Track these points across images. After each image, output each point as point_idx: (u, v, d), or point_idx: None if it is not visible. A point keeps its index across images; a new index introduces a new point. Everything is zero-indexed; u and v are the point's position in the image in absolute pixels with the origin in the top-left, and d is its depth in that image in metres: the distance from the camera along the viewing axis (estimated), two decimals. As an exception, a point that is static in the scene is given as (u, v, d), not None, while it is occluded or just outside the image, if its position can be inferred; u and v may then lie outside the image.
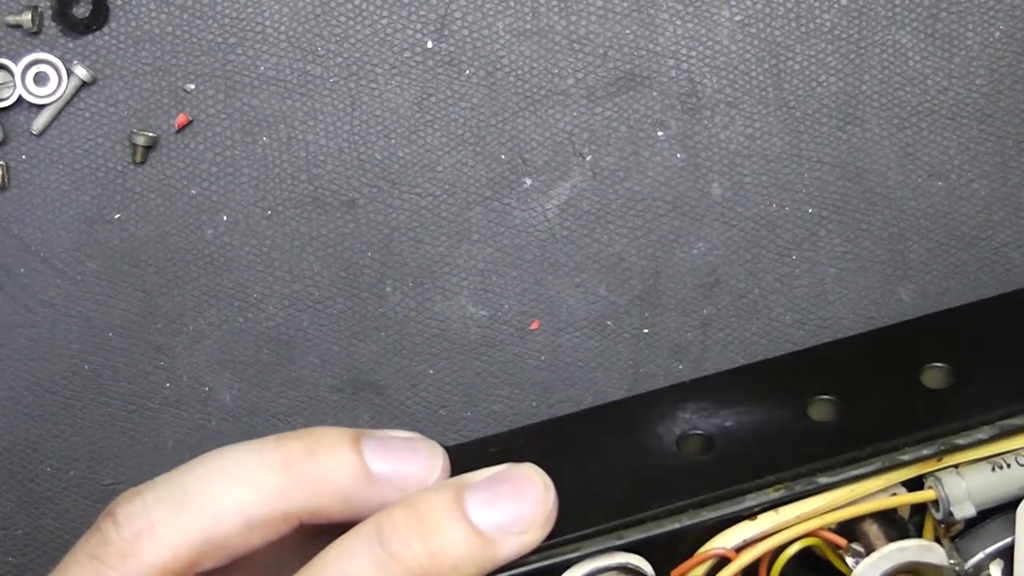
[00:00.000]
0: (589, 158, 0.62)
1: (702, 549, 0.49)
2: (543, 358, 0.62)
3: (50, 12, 0.60)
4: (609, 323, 0.62)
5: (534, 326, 0.62)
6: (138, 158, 0.61)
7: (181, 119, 0.61)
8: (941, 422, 0.50)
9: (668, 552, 0.49)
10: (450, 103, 0.62)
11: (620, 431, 0.53)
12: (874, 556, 0.49)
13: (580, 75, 0.62)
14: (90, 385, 0.62)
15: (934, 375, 0.52)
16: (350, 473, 0.47)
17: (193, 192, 0.62)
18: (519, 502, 0.46)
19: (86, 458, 0.62)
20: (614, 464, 0.51)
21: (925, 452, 0.49)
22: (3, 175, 0.61)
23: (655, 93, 0.62)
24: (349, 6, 0.61)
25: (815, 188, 0.63)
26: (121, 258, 0.62)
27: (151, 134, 0.61)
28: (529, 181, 0.62)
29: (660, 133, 0.62)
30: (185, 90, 0.61)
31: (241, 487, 0.47)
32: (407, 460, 0.48)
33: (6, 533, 0.62)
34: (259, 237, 0.62)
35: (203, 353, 0.62)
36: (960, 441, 0.50)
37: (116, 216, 0.62)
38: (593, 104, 0.62)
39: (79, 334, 0.61)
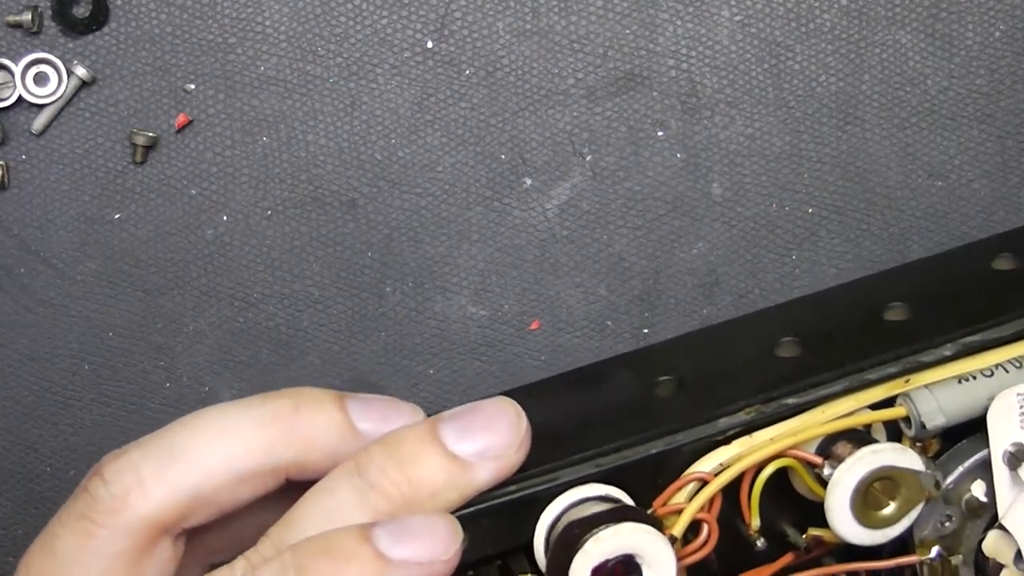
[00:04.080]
0: (589, 158, 0.62)
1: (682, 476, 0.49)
2: (543, 358, 0.62)
3: (50, 12, 0.60)
4: (609, 323, 0.62)
5: (534, 326, 0.62)
6: (138, 158, 0.61)
7: (181, 119, 0.61)
8: (905, 345, 0.51)
9: (649, 485, 0.49)
10: (450, 103, 0.62)
11: (595, 383, 0.54)
12: (849, 460, 0.49)
13: (580, 75, 0.62)
14: (90, 385, 0.62)
15: (895, 312, 0.53)
16: (336, 429, 0.48)
17: (193, 192, 0.62)
18: (492, 429, 0.47)
19: (86, 458, 0.62)
20: (589, 408, 0.53)
21: (891, 370, 0.50)
22: (3, 175, 0.61)
23: (655, 93, 0.62)
24: (349, 6, 0.61)
25: (815, 188, 0.63)
26: (121, 258, 0.62)
27: (151, 134, 0.61)
28: (529, 181, 0.62)
29: (660, 133, 0.62)
30: (185, 90, 0.61)
31: (230, 441, 0.47)
32: (390, 418, 0.49)
33: (6, 533, 0.62)
34: (259, 237, 0.62)
35: (203, 353, 0.62)
36: (925, 358, 0.50)
37: (116, 216, 0.62)
38: (593, 104, 0.62)
39: (79, 334, 0.62)
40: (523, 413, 0.48)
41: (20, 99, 0.61)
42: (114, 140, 0.61)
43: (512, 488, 0.48)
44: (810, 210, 0.63)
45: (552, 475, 0.48)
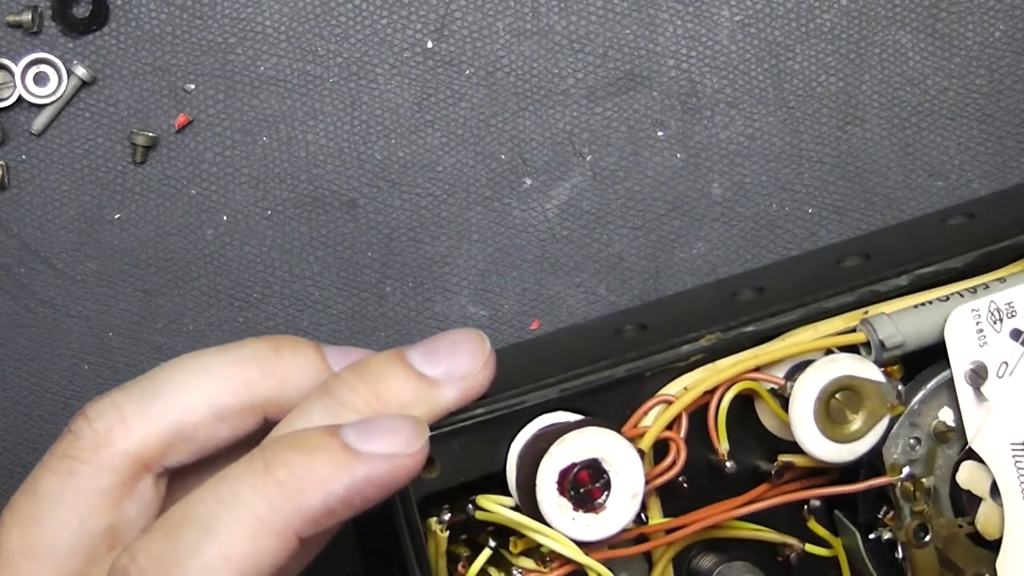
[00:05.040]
0: (589, 158, 0.62)
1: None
2: (543, 358, 0.62)
3: (50, 12, 0.60)
4: (609, 323, 0.62)
5: (534, 326, 0.62)
6: (138, 158, 0.61)
7: (181, 119, 0.61)
8: (862, 277, 0.52)
9: (619, 417, 0.50)
10: (450, 103, 0.62)
11: (565, 338, 0.57)
12: (808, 371, 0.49)
13: (580, 75, 0.62)
14: (90, 385, 0.62)
15: (853, 260, 0.54)
16: (313, 368, 0.49)
17: (193, 192, 0.62)
18: (456, 351, 0.48)
19: (86, 458, 0.62)
20: (558, 349, 0.55)
21: (848, 299, 0.51)
22: (3, 175, 0.61)
23: (655, 93, 0.62)
24: (349, 6, 0.62)
25: (815, 188, 0.63)
26: (121, 258, 0.62)
27: (151, 134, 0.61)
28: (529, 181, 0.62)
29: (660, 133, 0.62)
30: (185, 90, 0.61)
31: (209, 379, 0.48)
32: None
33: (6, 533, 0.62)
34: (259, 237, 0.62)
35: (203, 353, 0.62)
36: (881, 288, 0.51)
37: (116, 216, 0.62)
38: (593, 104, 0.62)
39: (79, 334, 0.62)
40: (487, 338, 0.49)
41: (20, 99, 0.61)
42: (114, 140, 0.61)
43: (480, 411, 0.48)
44: (810, 210, 0.63)
45: (519, 399, 0.49)
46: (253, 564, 0.43)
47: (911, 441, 0.51)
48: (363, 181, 0.62)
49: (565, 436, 0.47)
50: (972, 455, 0.51)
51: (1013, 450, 0.51)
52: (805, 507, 0.51)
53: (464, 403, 0.48)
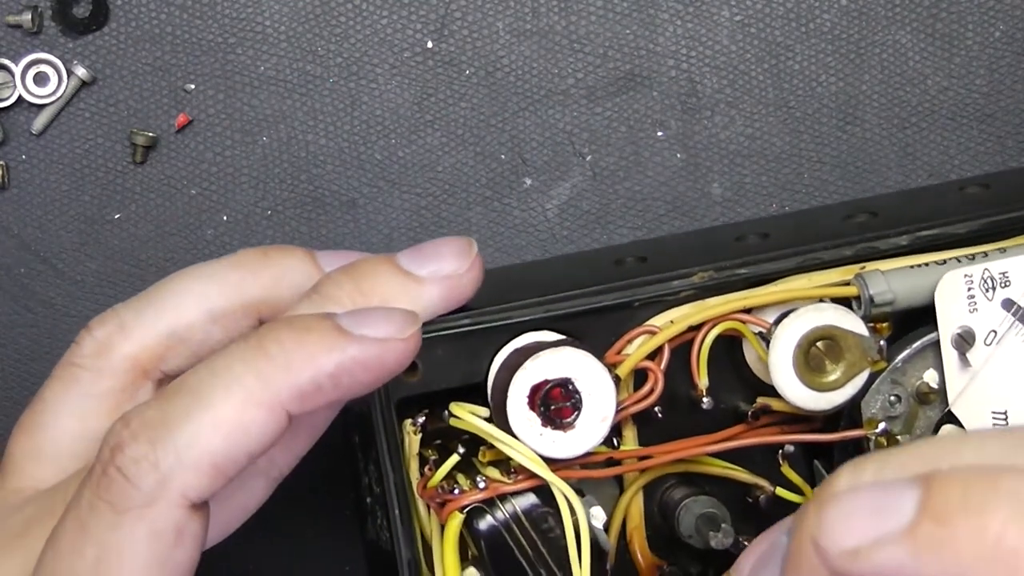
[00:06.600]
0: (589, 158, 0.62)
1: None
2: (543, 358, 0.62)
3: (50, 12, 0.60)
4: (609, 323, 0.62)
5: (534, 326, 0.62)
6: (138, 158, 0.61)
7: (181, 119, 0.61)
8: (864, 233, 0.52)
9: (604, 345, 0.50)
10: (450, 103, 0.62)
11: (565, 263, 0.58)
12: (791, 317, 0.50)
13: (580, 75, 0.62)
14: (90, 385, 0.62)
15: (860, 217, 0.55)
16: (304, 269, 0.51)
17: (193, 192, 0.62)
18: (442, 254, 0.49)
19: (86, 458, 0.62)
20: (555, 272, 0.55)
21: (846, 252, 0.51)
22: (3, 175, 0.61)
23: (655, 93, 0.62)
24: (349, 6, 0.62)
25: (815, 188, 0.63)
26: (121, 258, 0.62)
27: (151, 134, 0.61)
28: (529, 181, 0.62)
29: (660, 133, 0.62)
30: (185, 90, 0.61)
31: (201, 283, 0.51)
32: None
33: (6, 533, 0.62)
34: (259, 237, 0.62)
35: (203, 353, 0.62)
36: (880, 245, 0.51)
37: (116, 216, 0.62)
38: (593, 104, 0.62)
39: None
40: (475, 243, 0.50)
41: (20, 99, 0.61)
42: (114, 140, 0.61)
43: (466, 321, 0.49)
44: (810, 210, 0.63)
45: (506, 314, 0.50)
46: (242, 433, 0.44)
47: (891, 398, 0.51)
48: (363, 181, 0.62)
49: (541, 352, 0.48)
50: (953, 419, 0.51)
51: (994, 418, 0.51)
52: (780, 452, 0.52)
53: (449, 304, 0.49)
